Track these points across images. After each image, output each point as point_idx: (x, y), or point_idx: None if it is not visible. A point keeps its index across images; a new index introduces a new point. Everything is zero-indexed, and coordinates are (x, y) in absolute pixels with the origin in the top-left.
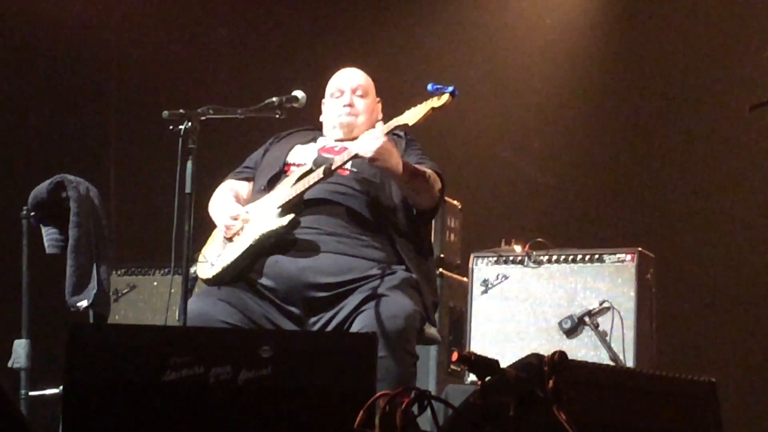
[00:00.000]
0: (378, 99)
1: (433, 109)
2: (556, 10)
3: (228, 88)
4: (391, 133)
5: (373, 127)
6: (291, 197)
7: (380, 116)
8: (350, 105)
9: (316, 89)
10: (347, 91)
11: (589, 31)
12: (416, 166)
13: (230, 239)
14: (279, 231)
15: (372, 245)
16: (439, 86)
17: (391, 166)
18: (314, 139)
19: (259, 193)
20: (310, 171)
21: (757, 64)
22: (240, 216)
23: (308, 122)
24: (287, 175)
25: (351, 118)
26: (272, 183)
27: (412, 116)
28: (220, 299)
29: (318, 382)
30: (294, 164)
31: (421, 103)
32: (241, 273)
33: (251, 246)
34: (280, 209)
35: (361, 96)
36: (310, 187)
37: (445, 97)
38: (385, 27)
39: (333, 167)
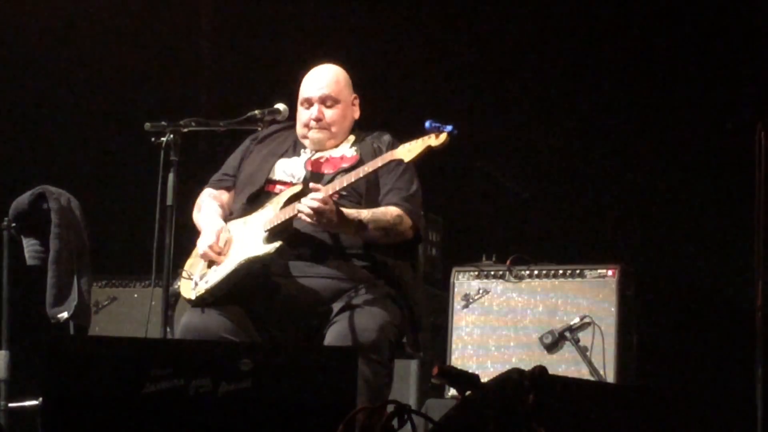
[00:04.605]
0: (355, 96)
1: (430, 147)
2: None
3: (210, 100)
4: (376, 145)
5: (350, 131)
6: (279, 222)
7: (357, 114)
8: (318, 119)
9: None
10: (316, 102)
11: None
12: (368, 214)
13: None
14: (266, 258)
15: (362, 269)
16: (437, 124)
17: (331, 229)
18: (295, 148)
19: (242, 211)
20: (302, 192)
21: (739, 81)
22: (215, 245)
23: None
24: (271, 193)
25: (320, 134)
26: (253, 200)
27: (407, 152)
28: (220, 314)
29: (298, 395)
30: (278, 182)
31: (417, 138)
32: (228, 295)
33: (236, 270)
34: (267, 233)
35: (330, 106)
36: (296, 215)
37: (443, 137)
38: (368, 36)
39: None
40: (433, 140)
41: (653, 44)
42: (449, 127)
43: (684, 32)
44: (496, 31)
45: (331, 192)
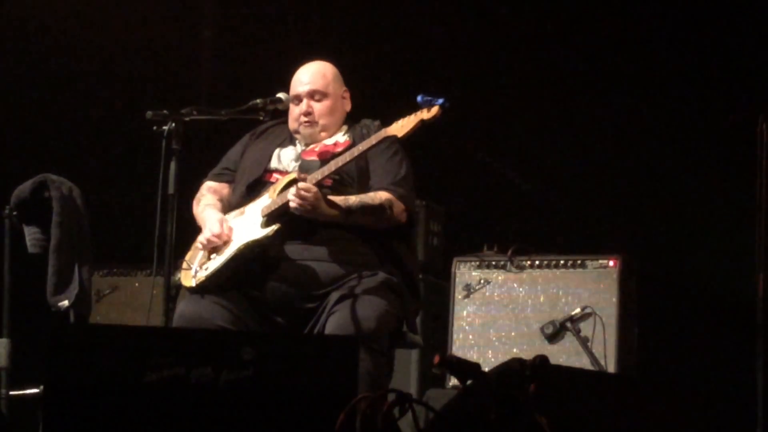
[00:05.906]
0: (345, 89)
1: (422, 121)
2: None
3: (212, 89)
4: (365, 131)
5: (341, 123)
6: (276, 206)
7: (349, 107)
8: (307, 113)
9: None
10: (304, 98)
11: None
12: (356, 200)
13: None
14: (264, 241)
15: (359, 252)
16: (428, 98)
17: (317, 216)
18: (291, 139)
19: (240, 200)
20: (296, 180)
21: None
22: (222, 233)
23: None
24: (269, 182)
25: (310, 129)
26: (252, 189)
27: (400, 128)
28: (215, 302)
29: (299, 384)
30: (276, 170)
31: (410, 114)
32: (228, 281)
33: (235, 255)
34: (265, 218)
35: (319, 100)
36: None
37: (435, 110)
38: (371, 28)
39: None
40: (425, 114)
41: (655, 36)
42: (441, 100)
43: (686, 24)
44: (497, 22)
45: (320, 177)
